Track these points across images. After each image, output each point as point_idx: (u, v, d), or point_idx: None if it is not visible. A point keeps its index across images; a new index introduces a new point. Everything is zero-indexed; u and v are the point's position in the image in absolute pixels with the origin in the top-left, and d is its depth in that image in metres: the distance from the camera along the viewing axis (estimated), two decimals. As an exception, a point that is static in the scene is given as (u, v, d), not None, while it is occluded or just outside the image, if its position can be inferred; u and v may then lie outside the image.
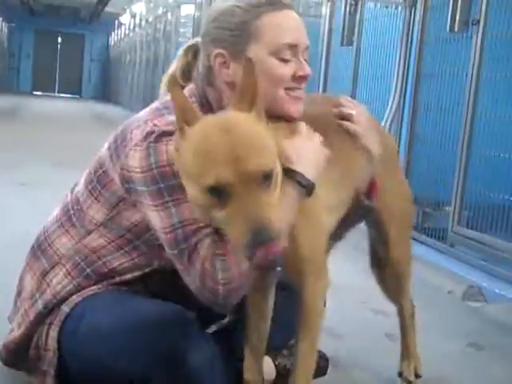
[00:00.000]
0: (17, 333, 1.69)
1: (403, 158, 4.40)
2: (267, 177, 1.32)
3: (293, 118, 1.63)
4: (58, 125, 11.95)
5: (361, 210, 1.80)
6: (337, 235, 1.91)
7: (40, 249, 1.74)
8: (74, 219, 1.70)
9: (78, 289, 1.65)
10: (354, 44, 5.32)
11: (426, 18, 4.35)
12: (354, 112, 1.74)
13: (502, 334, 2.85)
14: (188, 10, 11.47)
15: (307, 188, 1.51)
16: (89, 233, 1.66)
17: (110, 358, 1.53)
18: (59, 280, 1.66)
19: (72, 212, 1.71)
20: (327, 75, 5.84)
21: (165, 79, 1.78)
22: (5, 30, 23.34)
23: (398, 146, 4.45)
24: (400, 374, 2.06)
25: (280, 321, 1.79)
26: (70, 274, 1.66)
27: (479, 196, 3.76)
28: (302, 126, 1.60)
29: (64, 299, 1.65)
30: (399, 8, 4.85)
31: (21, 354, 1.69)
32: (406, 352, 2.06)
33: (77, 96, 25.01)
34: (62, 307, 1.63)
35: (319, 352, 1.96)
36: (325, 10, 5.92)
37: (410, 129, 4.41)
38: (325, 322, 2.13)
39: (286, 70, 1.60)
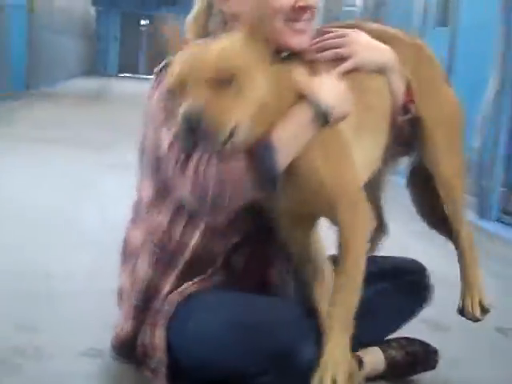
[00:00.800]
0: (123, 330, 1.68)
1: (503, 145, 4.22)
2: (224, 79, 1.36)
3: (295, 50, 1.57)
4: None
5: (402, 128, 1.68)
6: (391, 162, 1.83)
7: (125, 244, 1.74)
8: (138, 207, 1.70)
9: (162, 277, 1.63)
10: (450, 24, 5.14)
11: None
12: (341, 41, 1.61)
13: None
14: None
15: (322, 115, 1.46)
16: (147, 213, 1.66)
17: (223, 357, 1.51)
18: (144, 271, 1.65)
19: (136, 202, 1.72)
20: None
21: (189, 22, 1.70)
22: (93, 13, 23.90)
23: (498, 133, 4.26)
24: (461, 312, 1.79)
25: (374, 315, 1.71)
26: (149, 263, 1.64)
27: None
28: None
29: (153, 289, 1.63)
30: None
31: (129, 348, 1.68)
32: (468, 285, 1.78)
33: (160, 78, 25.30)
34: (165, 307, 1.60)
35: (427, 345, 1.88)
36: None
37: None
38: (430, 314, 2.06)
39: (284, 1, 1.52)
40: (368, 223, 1.54)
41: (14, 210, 3.58)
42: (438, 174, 1.76)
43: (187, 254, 1.61)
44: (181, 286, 1.61)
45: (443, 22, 5.20)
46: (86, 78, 19.04)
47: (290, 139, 1.44)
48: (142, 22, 25.76)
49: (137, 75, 24.86)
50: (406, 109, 1.67)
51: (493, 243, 3.67)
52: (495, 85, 4.34)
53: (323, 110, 1.46)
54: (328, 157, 1.48)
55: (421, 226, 1.96)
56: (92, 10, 23.76)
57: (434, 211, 1.84)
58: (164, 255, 1.63)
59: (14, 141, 6.01)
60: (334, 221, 1.52)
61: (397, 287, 1.82)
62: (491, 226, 3.95)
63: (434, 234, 1.96)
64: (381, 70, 1.64)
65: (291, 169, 1.45)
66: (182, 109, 1.34)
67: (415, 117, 1.69)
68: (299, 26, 1.55)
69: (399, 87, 1.66)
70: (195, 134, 1.31)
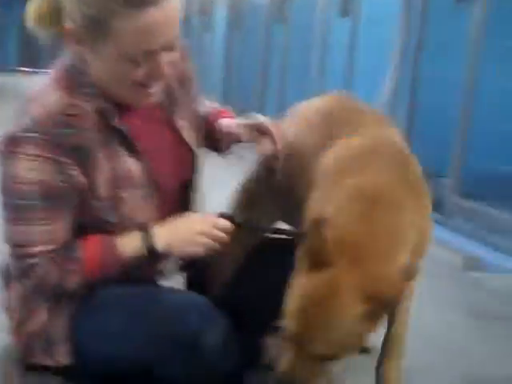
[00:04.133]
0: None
1: (403, 129, 4.33)
2: None
3: (138, 107, 1.53)
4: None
5: None
6: None
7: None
8: None
9: None
10: (352, 14, 5.23)
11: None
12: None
13: (503, 304, 2.81)
14: None
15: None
16: None
17: (125, 349, 1.46)
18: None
19: None
20: (324, 46, 5.74)
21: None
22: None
23: (398, 119, 4.38)
24: None
25: None
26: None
27: (481, 167, 3.71)
28: None
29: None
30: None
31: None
32: None
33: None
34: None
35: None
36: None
37: (410, 100, 4.33)
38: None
39: (136, 73, 1.44)
40: None
41: None
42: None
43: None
44: None
45: (345, 12, 5.28)
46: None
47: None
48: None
49: (37, 69, 24.09)
50: None
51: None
52: (393, 76, 4.46)
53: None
54: None
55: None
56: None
57: None
58: None
59: None
60: None
61: None
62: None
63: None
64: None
65: None
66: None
67: None
68: (146, 92, 1.49)
69: None
70: None
